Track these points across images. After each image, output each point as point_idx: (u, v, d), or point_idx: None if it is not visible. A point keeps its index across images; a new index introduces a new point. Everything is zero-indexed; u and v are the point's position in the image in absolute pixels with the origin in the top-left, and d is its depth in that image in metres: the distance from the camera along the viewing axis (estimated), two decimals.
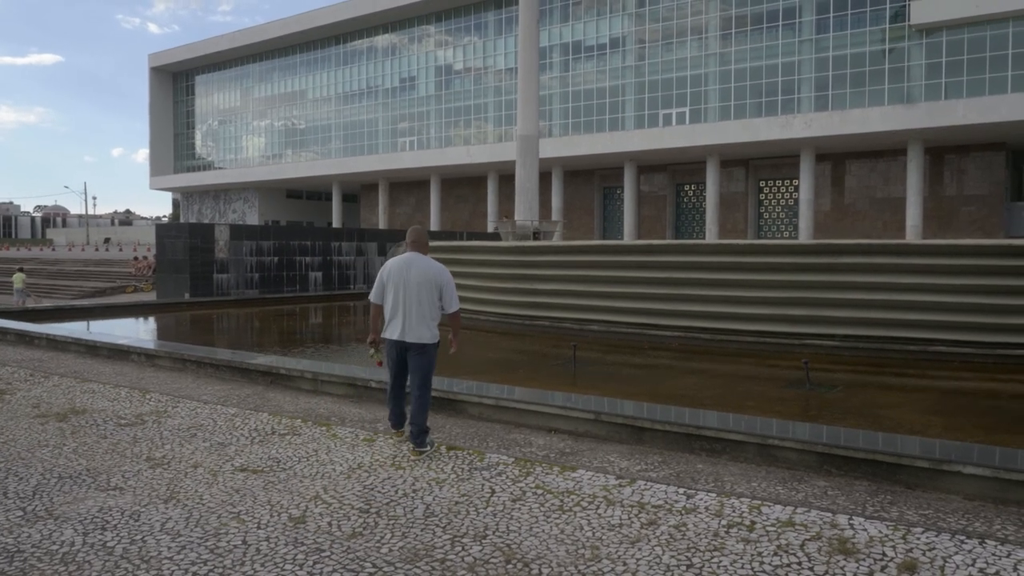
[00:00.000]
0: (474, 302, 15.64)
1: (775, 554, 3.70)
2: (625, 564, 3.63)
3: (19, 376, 9.01)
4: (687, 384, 10.20)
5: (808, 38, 41.18)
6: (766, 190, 47.00)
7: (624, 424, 6.42)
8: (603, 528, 4.09)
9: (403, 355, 5.69)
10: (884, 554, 3.67)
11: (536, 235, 29.39)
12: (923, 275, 11.37)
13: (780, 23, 41.86)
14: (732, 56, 43.49)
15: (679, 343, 13.01)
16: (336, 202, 63.54)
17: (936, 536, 3.88)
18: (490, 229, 45.93)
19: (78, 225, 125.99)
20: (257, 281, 23.07)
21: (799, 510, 4.32)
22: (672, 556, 3.71)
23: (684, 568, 3.58)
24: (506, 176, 48.52)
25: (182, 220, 76.38)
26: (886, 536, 3.89)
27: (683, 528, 4.07)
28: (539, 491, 4.71)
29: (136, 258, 42.95)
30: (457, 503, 4.51)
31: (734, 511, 4.31)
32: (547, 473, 5.08)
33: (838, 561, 3.61)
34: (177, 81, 76.14)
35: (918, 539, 3.85)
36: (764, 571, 3.52)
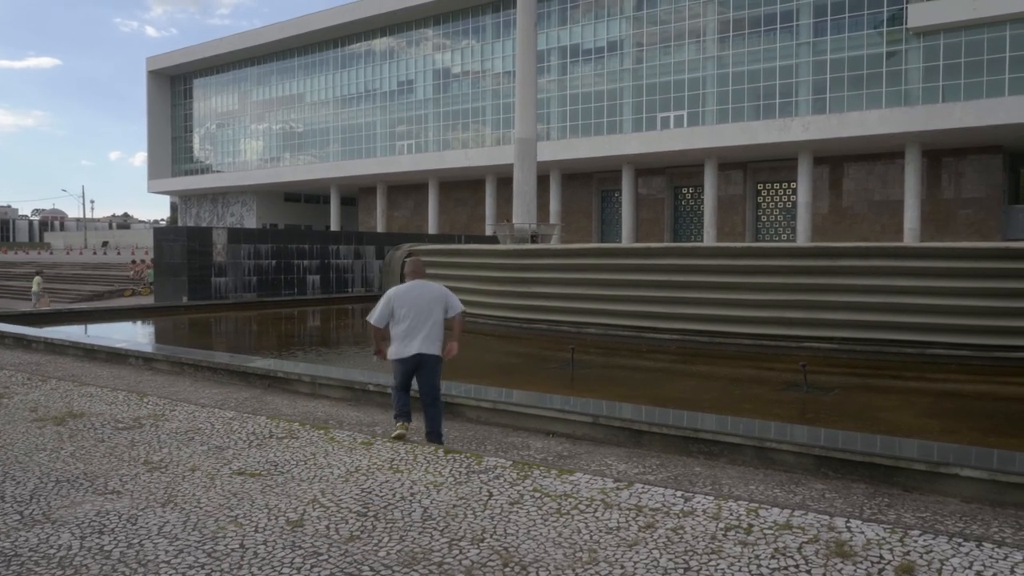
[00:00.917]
0: (472, 305, 15.61)
1: (772, 557, 3.71)
2: (623, 567, 3.63)
3: (17, 380, 8.99)
4: (685, 387, 10.21)
5: (806, 41, 41.27)
6: (764, 193, 47.05)
7: (622, 427, 6.42)
8: (601, 531, 4.09)
9: (413, 371, 6.30)
10: (881, 557, 3.68)
11: (534, 238, 29.41)
12: (921, 278, 11.38)
13: (778, 26, 41.96)
14: (730, 59, 43.56)
15: (677, 346, 13.01)
16: (334, 205, 63.55)
17: (933, 539, 3.88)
18: (488, 232, 45.94)
19: (76, 229, 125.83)
20: (255, 284, 23.06)
21: (796, 513, 4.32)
22: (670, 559, 3.71)
23: (682, 571, 3.58)
24: (504, 179, 48.54)
25: (180, 224, 76.33)
26: (883, 539, 3.90)
27: (681, 531, 4.07)
28: (537, 494, 4.71)
29: (134, 261, 42.93)
30: (455, 506, 4.50)
31: (732, 514, 4.31)
32: (545, 476, 5.08)
33: (836, 564, 3.61)
34: (175, 84, 76.16)
35: (915, 542, 3.85)
36: (762, 574, 3.52)
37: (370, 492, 4.77)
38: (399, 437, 6.10)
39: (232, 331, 18.10)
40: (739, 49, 43.21)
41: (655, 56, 46.22)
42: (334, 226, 62.67)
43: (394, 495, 4.72)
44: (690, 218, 49.52)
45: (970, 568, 3.53)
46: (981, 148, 39.41)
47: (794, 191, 44.06)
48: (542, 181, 41.42)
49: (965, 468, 4.97)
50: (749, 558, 3.70)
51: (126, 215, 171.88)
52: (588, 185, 52.40)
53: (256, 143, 70.09)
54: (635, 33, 46.99)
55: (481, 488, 4.84)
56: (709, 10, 44.07)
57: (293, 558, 3.75)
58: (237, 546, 3.91)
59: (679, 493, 4.70)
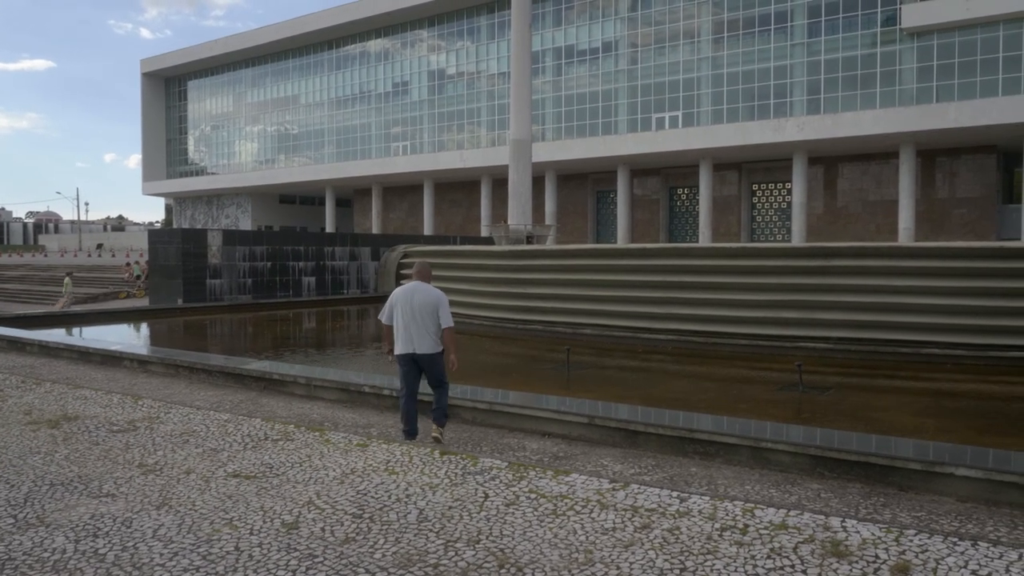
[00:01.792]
0: (468, 306, 15.62)
1: (768, 557, 3.71)
2: (619, 568, 3.62)
3: (11, 383, 8.96)
4: (680, 387, 10.22)
5: (800, 42, 41.36)
6: (759, 193, 47.14)
7: (617, 428, 6.42)
8: (597, 532, 4.09)
9: (415, 364, 6.63)
10: (877, 556, 3.68)
11: (529, 239, 29.41)
12: (915, 278, 11.41)
13: (772, 27, 42.04)
14: (724, 60, 43.63)
15: (672, 346, 13.02)
16: (329, 207, 63.46)
17: (929, 538, 3.89)
18: (483, 233, 45.94)
19: (71, 231, 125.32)
20: (250, 286, 23.02)
21: (792, 513, 4.32)
22: (665, 559, 3.71)
23: (678, 571, 3.58)
24: (499, 180, 48.52)
25: (175, 225, 76.15)
26: (879, 538, 3.90)
27: (676, 531, 4.07)
28: (533, 495, 4.70)
29: (128, 264, 42.82)
30: (450, 508, 4.50)
31: (727, 514, 4.31)
32: (541, 477, 5.08)
33: (831, 564, 3.61)
34: (170, 86, 76.01)
35: (911, 541, 3.86)
36: (757, 574, 3.53)
37: (366, 494, 4.76)
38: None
39: (227, 333, 18.07)
40: (734, 50, 43.29)
41: (650, 57, 46.28)
42: (329, 228, 62.60)
43: (390, 497, 4.71)
44: (685, 219, 49.58)
45: (965, 567, 3.54)
46: (975, 148, 39.55)
47: (789, 191, 44.15)
48: (537, 182, 41.44)
49: (960, 467, 4.98)
50: (745, 558, 3.70)
51: (121, 217, 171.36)
52: (583, 186, 52.43)
53: (251, 145, 69.97)
54: (630, 34, 47.03)
55: (477, 489, 4.84)
56: (704, 11, 44.14)
57: (288, 560, 3.74)
58: (232, 549, 3.90)
59: (675, 493, 4.70)
